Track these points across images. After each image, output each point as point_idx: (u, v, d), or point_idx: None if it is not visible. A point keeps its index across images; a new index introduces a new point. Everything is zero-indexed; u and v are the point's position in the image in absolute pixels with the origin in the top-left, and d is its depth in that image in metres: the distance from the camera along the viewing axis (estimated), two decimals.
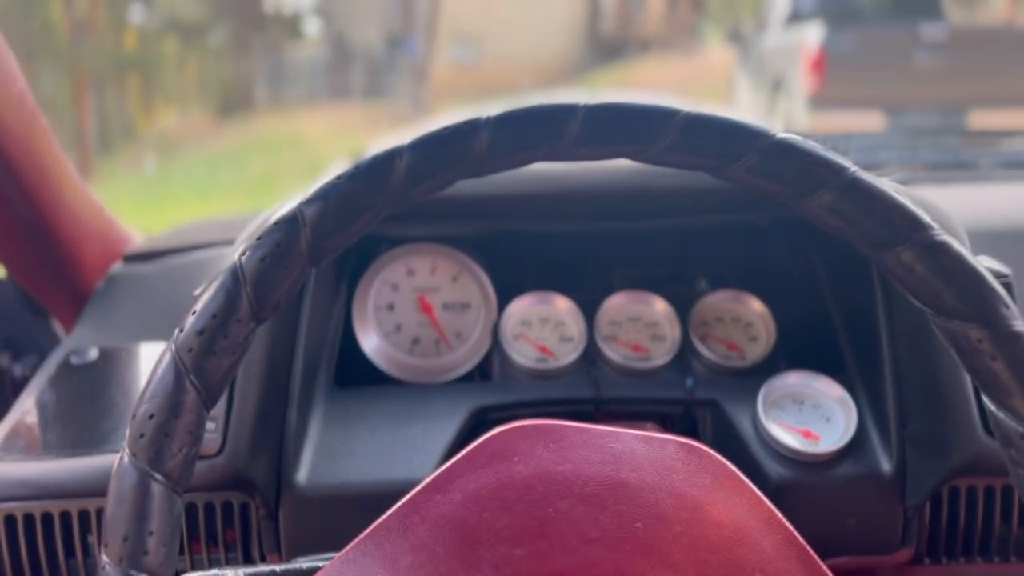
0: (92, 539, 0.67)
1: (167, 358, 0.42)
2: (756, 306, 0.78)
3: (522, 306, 0.77)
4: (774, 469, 0.67)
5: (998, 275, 0.63)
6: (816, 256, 0.79)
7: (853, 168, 0.43)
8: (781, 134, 0.44)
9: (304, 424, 0.68)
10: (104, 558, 0.40)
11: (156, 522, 0.41)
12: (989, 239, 0.77)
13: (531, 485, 0.47)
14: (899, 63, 5.75)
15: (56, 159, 0.83)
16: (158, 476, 0.41)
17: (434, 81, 13.90)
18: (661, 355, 0.75)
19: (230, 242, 0.80)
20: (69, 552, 0.67)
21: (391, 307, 0.79)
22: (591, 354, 0.75)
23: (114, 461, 0.41)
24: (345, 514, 0.66)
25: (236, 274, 0.43)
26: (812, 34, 5.89)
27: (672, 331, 0.76)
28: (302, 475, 0.66)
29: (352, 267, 0.79)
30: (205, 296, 0.43)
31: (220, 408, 0.64)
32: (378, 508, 0.66)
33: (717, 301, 0.78)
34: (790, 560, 0.47)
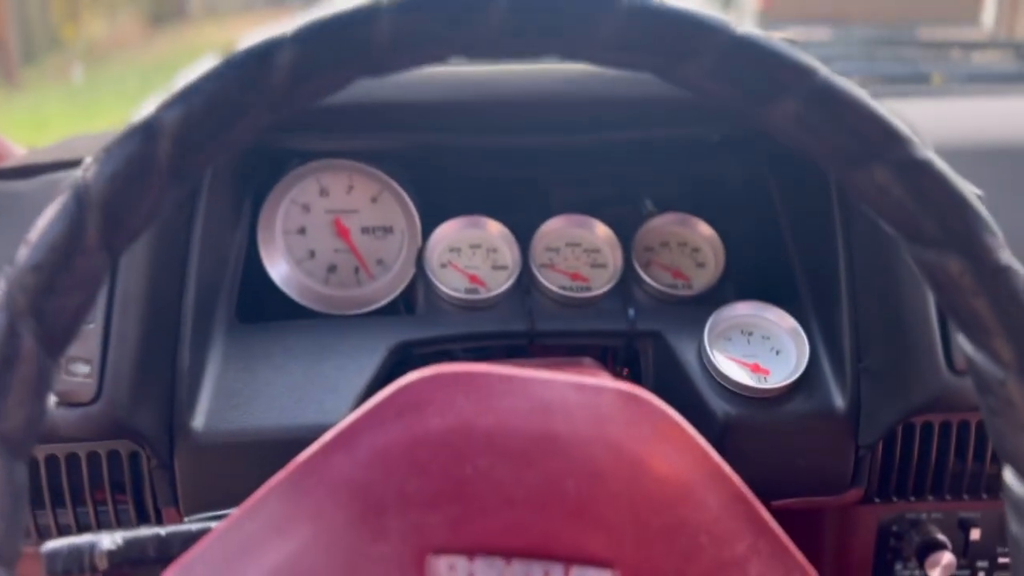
0: None
1: None
2: (704, 230, 0.72)
3: (450, 231, 0.70)
4: (720, 406, 0.62)
5: None
6: (769, 175, 0.73)
7: (824, 71, 0.36)
8: (742, 29, 0.36)
9: (199, 365, 0.60)
10: None
11: None
12: (954, 157, 0.72)
13: (447, 441, 0.41)
14: None
15: None
16: None
17: None
18: (601, 284, 0.69)
19: None
20: None
21: (302, 231, 0.70)
22: (525, 283, 0.68)
23: None
24: (249, 463, 0.59)
25: (80, 195, 0.35)
26: None
27: (614, 258, 0.70)
28: (198, 421, 0.59)
29: (256, 185, 0.70)
30: (42, 222, 0.35)
31: (94, 350, 0.56)
32: (286, 456, 0.59)
33: (662, 224, 0.72)
34: (737, 518, 0.42)
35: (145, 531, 0.48)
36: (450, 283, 0.68)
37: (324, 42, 0.36)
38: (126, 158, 0.35)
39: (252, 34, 0.39)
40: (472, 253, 0.70)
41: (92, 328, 0.56)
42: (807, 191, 0.68)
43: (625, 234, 0.71)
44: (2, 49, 7.56)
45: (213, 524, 0.50)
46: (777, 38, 0.37)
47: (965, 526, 0.69)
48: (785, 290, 0.68)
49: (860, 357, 0.62)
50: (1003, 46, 1.31)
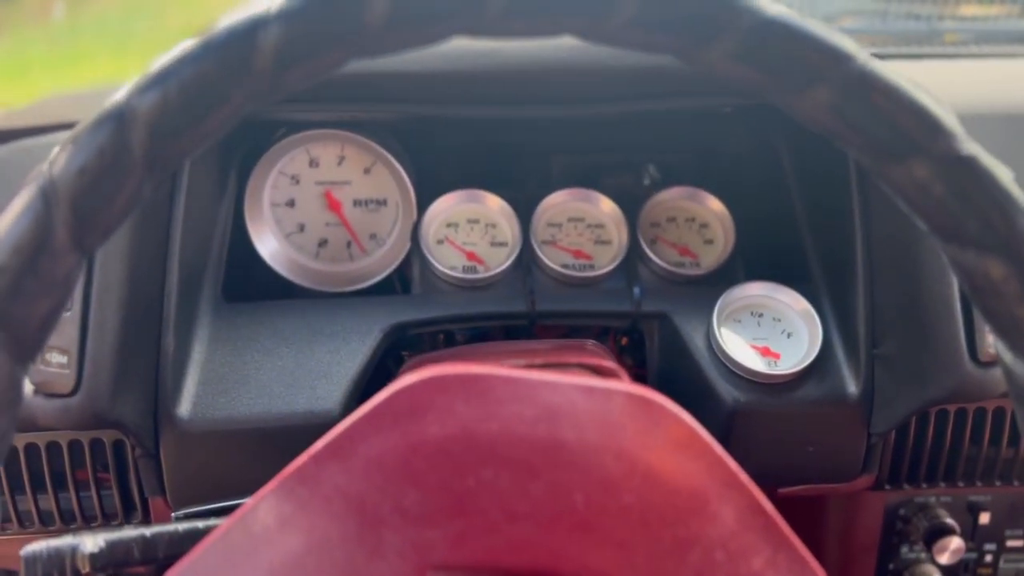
0: None
1: None
2: (713, 205, 0.69)
3: (447, 205, 0.66)
4: (728, 391, 0.60)
5: None
6: (782, 146, 0.69)
7: (862, 57, 0.33)
8: (773, 10, 0.33)
9: (185, 349, 0.57)
10: None
11: None
12: (971, 123, 0.68)
13: (448, 450, 0.38)
14: None
15: None
16: None
17: None
18: (605, 262, 0.66)
19: None
20: None
21: (292, 204, 0.67)
22: (526, 261, 0.65)
23: None
24: (237, 451, 0.57)
25: (46, 192, 0.32)
26: None
27: (618, 234, 0.67)
28: (184, 408, 0.56)
29: (242, 157, 0.66)
30: (5, 221, 0.32)
31: (72, 340, 0.53)
32: (275, 444, 0.57)
33: (669, 199, 0.69)
34: (754, 531, 0.39)
35: (129, 532, 0.46)
36: (447, 261, 0.65)
37: (313, 20, 0.32)
38: (97, 149, 0.32)
39: (233, 10, 0.35)
40: (470, 229, 0.67)
41: (69, 317, 0.52)
42: (823, 165, 0.65)
43: (630, 209, 0.67)
44: None
45: (199, 524, 0.48)
46: (812, 21, 0.34)
47: (974, 509, 0.68)
48: (797, 270, 0.65)
49: (875, 343, 0.60)
50: (1009, 1, 1.27)
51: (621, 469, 0.38)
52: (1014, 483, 0.65)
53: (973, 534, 0.68)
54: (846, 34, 0.35)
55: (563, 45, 0.58)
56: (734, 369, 0.60)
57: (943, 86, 0.78)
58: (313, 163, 0.66)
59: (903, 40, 1.02)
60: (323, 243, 0.68)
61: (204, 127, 0.33)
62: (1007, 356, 0.35)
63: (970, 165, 0.33)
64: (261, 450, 0.57)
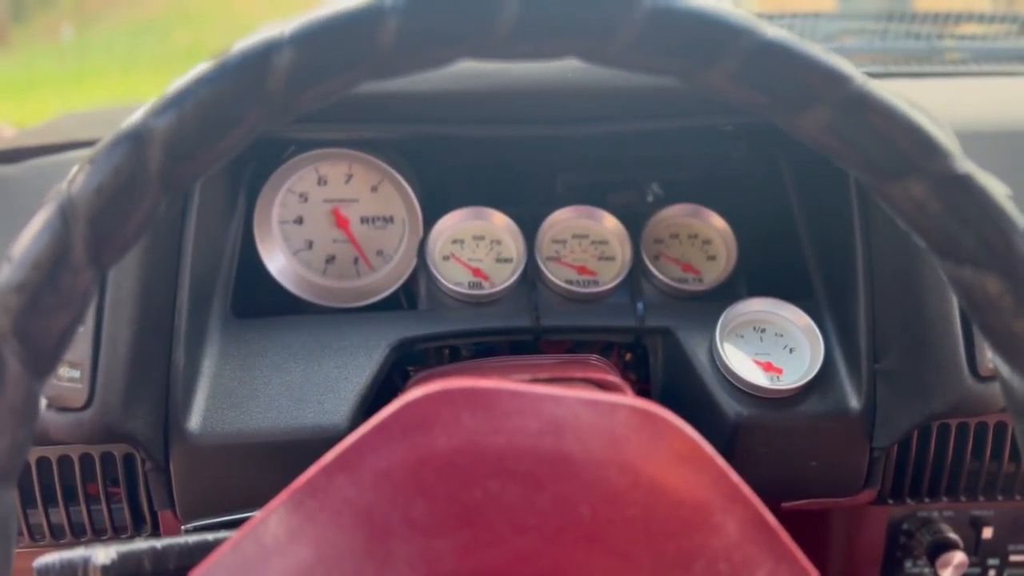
0: None
1: None
2: (715, 221, 0.70)
3: (453, 222, 0.67)
4: (732, 406, 0.60)
5: None
6: (784, 164, 0.70)
7: (859, 79, 0.34)
8: (772, 33, 0.34)
9: (195, 364, 0.58)
10: None
11: None
12: (969, 140, 0.69)
13: (455, 462, 0.39)
14: None
15: None
16: None
17: None
18: (609, 278, 0.66)
19: None
20: None
21: (300, 221, 0.68)
22: (531, 277, 0.66)
23: None
24: (246, 465, 0.57)
25: (65, 209, 0.33)
26: None
27: (622, 250, 0.68)
28: (194, 423, 0.57)
29: (252, 175, 0.67)
30: (25, 238, 0.33)
31: (85, 355, 0.54)
32: (283, 458, 0.58)
33: (673, 216, 0.70)
34: (757, 544, 0.40)
35: (140, 544, 0.47)
36: (453, 277, 0.66)
37: (325, 44, 0.33)
38: (113, 168, 0.33)
39: (243, 31, 0.36)
40: (475, 245, 0.68)
41: (82, 331, 0.53)
42: (823, 182, 0.66)
43: (634, 225, 0.68)
44: None
45: (209, 536, 0.49)
46: (810, 43, 0.35)
47: (977, 524, 0.68)
48: (799, 286, 0.66)
49: (877, 358, 0.60)
50: (1008, 20, 1.28)
51: (625, 482, 0.39)
52: (1016, 498, 0.65)
53: (976, 549, 0.69)
54: (846, 53, 0.36)
55: (567, 66, 0.59)
56: (737, 384, 0.61)
57: (943, 104, 0.79)
58: (321, 181, 0.68)
59: (903, 59, 1.03)
60: (331, 259, 0.69)
61: (219, 147, 0.34)
62: (1005, 371, 0.35)
63: (966, 183, 0.33)
64: (269, 464, 0.58)
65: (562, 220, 0.68)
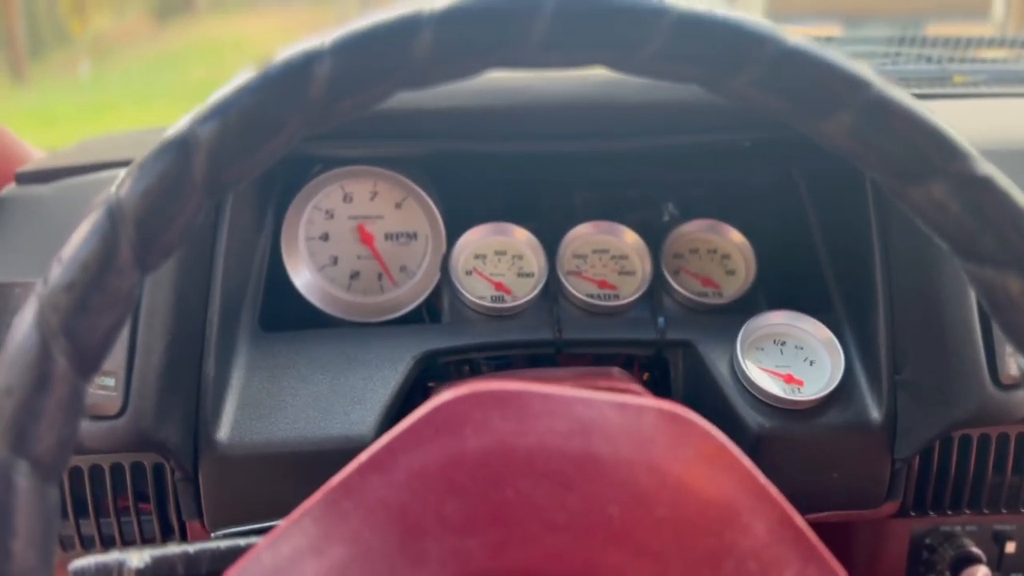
0: None
1: (28, 318, 0.33)
2: (734, 236, 0.71)
3: (475, 237, 0.69)
4: (753, 418, 0.61)
5: None
6: (801, 178, 0.71)
7: (879, 83, 0.35)
8: (793, 40, 0.35)
9: (224, 375, 0.59)
10: None
11: (22, 521, 0.33)
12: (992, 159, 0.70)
13: (486, 462, 0.40)
14: None
15: None
16: (22, 465, 0.33)
17: None
18: (630, 292, 0.67)
19: None
20: None
21: (326, 237, 0.69)
22: (552, 291, 0.67)
23: None
24: (274, 475, 0.58)
25: (113, 212, 0.34)
26: None
27: (642, 265, 0.69)
28: (223, 433, 0.58)
29: (280, 192, 0.69)
30: (74, 240, 0.34)
31: (120, 363, 0.55)
32: (310, 468, 0.58)
33: (692, 231, 0.71)
34: (785, 543, 0.40)
35: (173, 548, 0.47)
36: (475, 291, 0.67)
37: (364, 54, 0.35)
38: (160, 173, 0.34)
39: (290, 44, 0.38)
40: (497, 260, 0.69)
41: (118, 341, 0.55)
42: (840, 196, 0.67)
43: (654, 241, 0.69)
44: (11, 44, 7.57)
45: (241, 541, 0.49)
46: (830, 50, 0.36)
47: (1000, 539, 0.68)
48: (818, 299, 0.67)
49: (897, 369, 0.61)
50: (1018, 44, 1.29)
51: (653, 482, 0.40)
52: None
53: (1000, 564, 0.68)
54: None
55: (588, 82, 0.61)
56: (758, 396, 0.61)
57: (956, 124, 0.80)
58: (347, 198, 0.69)
59: (914, 82, 1.05)
60: (355, 275, 0.70)
61: (260, 153, 0.35)
62: None
63: (986, 184, 0.34)
64: (296, 474, 0.58)
65: (583, 235, 0.69)
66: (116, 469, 0.59)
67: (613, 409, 0.41)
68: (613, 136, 0.63)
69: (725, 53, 0.35)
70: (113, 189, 0.34)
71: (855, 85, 0.35)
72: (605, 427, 0.41)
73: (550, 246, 0.68)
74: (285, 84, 0.34)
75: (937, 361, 0.59)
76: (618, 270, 0.69)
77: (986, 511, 0.64)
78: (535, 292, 0.66)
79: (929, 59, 1.11)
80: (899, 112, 0.35)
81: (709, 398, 0.63)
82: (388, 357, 0.62)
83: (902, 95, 0.35)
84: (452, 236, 0.69)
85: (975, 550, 0.66)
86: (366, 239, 0.69)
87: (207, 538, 0.56)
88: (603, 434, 0.41)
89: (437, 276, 0.69)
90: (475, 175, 0.75)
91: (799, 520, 0.41)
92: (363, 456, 0.40)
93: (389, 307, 0.69)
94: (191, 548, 0.48)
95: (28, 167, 0.79)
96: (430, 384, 0.67)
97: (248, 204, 0.64)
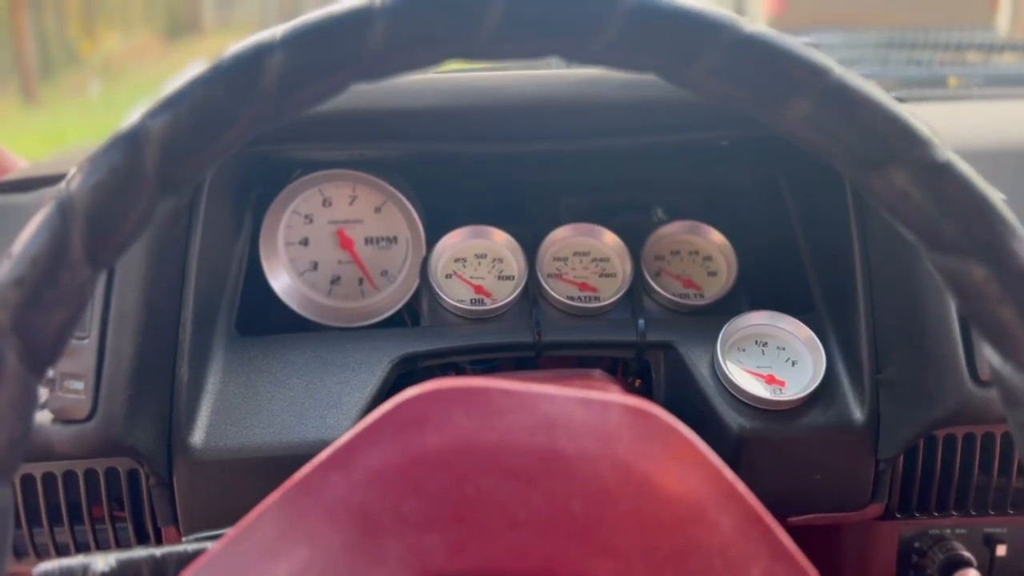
0: None
1: None
2: (715, 238, 0.70)
3: (455, 241, 0.68)
4: (735, 419, 0.60)
5: None
6: (781, 180, 0.71)
7: (837, 70, 0.34)
8: (750, 27, 0.35)
9: (198, 379, 0.59)
10: None
11: None
12: (973, 160, 0.69)
13: (447, 459, 0.39)
14: None
15: None
16: None
17: None
18: (610, 294, 0.67)
19: None
20: None
21: (305, 242, 0.69)
22: (532, 294, 0.67)
23: None
24: (249, 480, 0.58)
25: (64, 207, 0.33)
26: None
27: (623, 267, 0.68)
28: (197, 438, 0.57)
29: (258, 197, 0.69)
30: (24, 235, 0.34)
31: (89, 366, 0.55)
32: (286, 472, 0.57)
33: (672, 232, 0.70)
34: (752, 540, 0.40)
35: (140, 552, 0.47)
36: (455, 294, 0.67)
37: (315, 46, 0.34)
38: (110, 167, 0.34)
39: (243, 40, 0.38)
40: (477, 263, 0.68)
41: (87, 344, 0.54)
42: (821, 196, 0.66)
43: (634, 242, 0.69)
44: (22, 66, 7.64)
45: (208, 544, 0.49)
46: (788, 37, 0.35)
47: (991, 542, 0.67)
48: (800, 299, 0.66)
49: (879, 368, 0.60)
50: (1020, 49, 1.29)
51: (617, 478, 0.39)
52: None
53: (991, 567, 0.67)
54: None
55: (564, 81, 0.60)
56: (739, 397, 0.61)
57: (946, 127, 0.80)
58: (326, 203, 0.69)
59: (904, 85, 1.04)
60: (335, 280, 0.70)
61: (213, 147, 0.35)
62: (994, 358, 0.35)
63: (946, 170, 0.34)
64: (272, 479, 0.57)
65: (563, 238, 0.69)
66: (90, 475, 0.59)
67: (578, 405, 0.41)
68: (589, 135, 0.63)
69: (681, 41, 0.34)
70: (64, 184, 0.34)
71: (814, 72, 0.34)
72: (569, 423, 0.40)
73: (530, 249, 0.68)
74: (236, 76, 0.34)
75: (917, 359, 0.58)
76: (599, 272, 0.69)
77: (973, 512, 0.63)
78: (515, 295, 0.66)
79: (919, 62, 1.10)
80: (858, 99, 0.35)
81: (691, 400, 0.62)
82: (365, 361, 0.61)
83: (861, 82, 0.35)
84: (432, 239, 0.68)
85: (965, 553, 0.65)
86: (346, 244, 0.69)
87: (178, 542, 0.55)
88: (567, 430, 0.40)
89: (417, 280, 0.68)
90: (455, 178, 0.75)
91: (768, 517, 0.40)
92: (323, 454, 0.40)
93: (370, 311, 0.68)
94: (158, 551, 0.47)
95: (9, 177, 0.79)
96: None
97: (225, 208, 0.64)
